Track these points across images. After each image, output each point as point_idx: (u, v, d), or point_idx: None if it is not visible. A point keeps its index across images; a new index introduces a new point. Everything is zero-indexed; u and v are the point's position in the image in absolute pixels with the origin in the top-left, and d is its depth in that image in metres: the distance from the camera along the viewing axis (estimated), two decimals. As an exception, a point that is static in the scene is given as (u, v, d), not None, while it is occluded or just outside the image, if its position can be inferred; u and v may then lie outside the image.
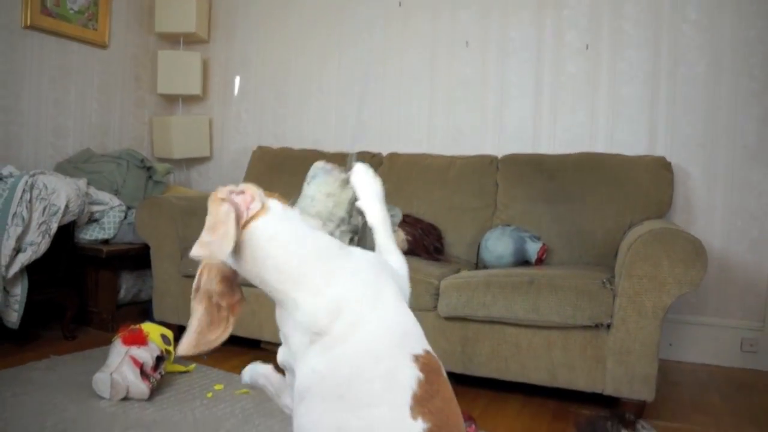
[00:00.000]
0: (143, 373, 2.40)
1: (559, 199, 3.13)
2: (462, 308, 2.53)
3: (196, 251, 1.06)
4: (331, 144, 4.05)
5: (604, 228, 3.01)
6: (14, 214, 2.84)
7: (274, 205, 1.17)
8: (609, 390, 2.37)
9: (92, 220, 3.39)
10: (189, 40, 4.44)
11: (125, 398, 2.39)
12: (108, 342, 2.65)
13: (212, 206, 1.11)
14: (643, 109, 3.35)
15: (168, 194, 3.80)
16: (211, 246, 1.06)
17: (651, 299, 2.27)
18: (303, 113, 4.21)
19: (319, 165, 1.53)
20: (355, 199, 1.42)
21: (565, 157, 3.25)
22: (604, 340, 2.36)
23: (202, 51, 4.45)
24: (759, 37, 3.14)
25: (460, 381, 2.72)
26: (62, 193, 2.99)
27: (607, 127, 3.42)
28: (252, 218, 1.12)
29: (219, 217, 1.08)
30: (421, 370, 1.06)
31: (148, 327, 2.57)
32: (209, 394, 2.50)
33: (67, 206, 3.00)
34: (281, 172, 3.85)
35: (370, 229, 1.40)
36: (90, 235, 3.37)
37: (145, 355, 2.44)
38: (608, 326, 2.35)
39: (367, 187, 1.40)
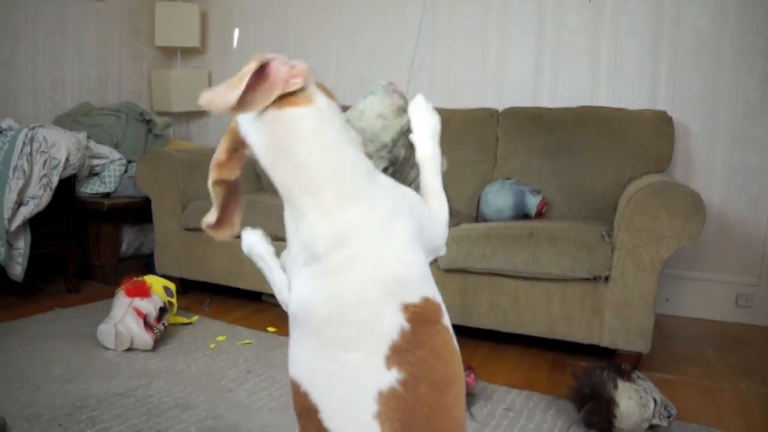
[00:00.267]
0: (147, 324, 2.44)
1: (560, 153, 3.12)
2: (462, 260, 2.55)
3: (200, 98, 0.94)
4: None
5: (604, 182, 3.02)
6: (15, 167, 2.84)
7: (321, 99, 1.03)
8: (606, 342, 2.41)
9: (93, 173, 3.39)
10: (186, -8, 4.37)
11: (129, 349, 2.43)
12: (111, 295, 2.68)
13: (248, 63, 0.96)
14: (645, 63, 3.32)
15: (168, 147, 3.79)
16: (215, 93, 0.94)
17: (649, 252, 2.29)
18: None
19: (382, 82, 1.38)
20: (406, 129, 1.31)
21: (566, 110, 3.23)
22: (602, 293, 2.39)
23: (199, 3, 4.39)
24: (765, -10, 3.09)
25: (459, 332, 2.73)
26: (62, 147, 2.99)
27: (608, 81, 3.39)
28: (291, 101, 0.99)
29: (241, 72, 0.94)
30: (409, 320, 0.99)
31: (151, 279, 2.60)
32: (212, 345, 2.54)
33: (67, 159, 3.00)
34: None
35: (411, 167, 1.31)
36: (91, 188, 3.38)
37: (149, 306, 2.47)
38: (606, 279, 2.37)
39: (425, 121, 1.32)
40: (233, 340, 2.61)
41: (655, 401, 1.87)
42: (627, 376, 1.93)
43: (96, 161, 3.37)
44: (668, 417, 1.87)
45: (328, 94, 1.07)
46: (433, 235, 1.18)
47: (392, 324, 0.98)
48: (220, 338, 2.62)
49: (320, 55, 4.10)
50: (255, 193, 3.47)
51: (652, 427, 1.89)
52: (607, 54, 3.39)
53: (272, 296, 3.15)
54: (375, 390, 0.95)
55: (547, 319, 2.48)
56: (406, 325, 0.99)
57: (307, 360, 1.01)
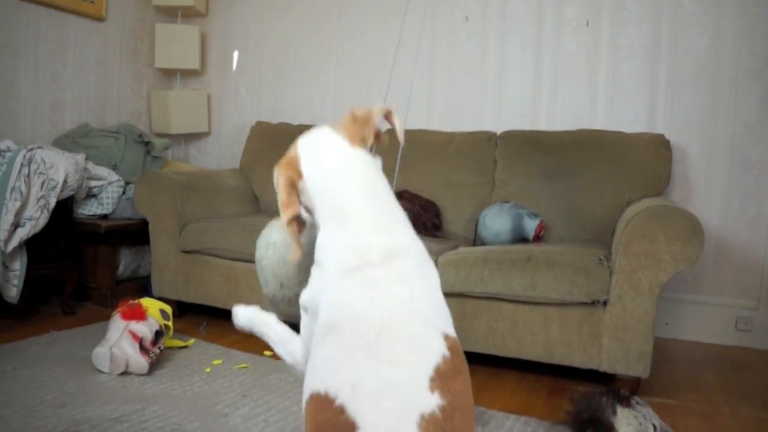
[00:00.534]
0: (142, 348, 2.42)
1: (558, 176, 3.13)
2: (460, 284, 2.54)
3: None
4: (329, 120, 4.02)
5: (602, 205, 3.01)
6: (12, 189, 2.84)
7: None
8: (604, 366, 2.39)
9: (90, 195, 3.39)
10: (187, 14, 4.40)
11: (124, 372, 2.41)
12: (107, 317, 2.66)
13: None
14: (642, 86, 3.34)
15: (166, 169, 3.79)
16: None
17: (647, 276, 2.29)
18: (302, 89, 4.19)
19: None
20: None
21: (564, 133, 3.24)
22: (600, 317, 2.37)
23: (200, 25, 4.42)
24: (760, 15, 3.11)
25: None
26: (60, 168, 2.99)
27: (606, 104, 3.41)
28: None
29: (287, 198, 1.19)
30: (449, 348, 1.02)
31: (147, 302, 2.59)
32: (208, 369, 2.52)
33: (65, 181, 3.00)
34: (280, 148, 3.80)
35: None
36: (88, 210, 3.38)
37: (144, 329, 2.45)
38: (605, 303, 2.36)
39: None
40: (229, 364, 2.59)
41: (655, 427, 1.85)
42: (626, 402, 1.91)
43: (94, 183, 3.37)
44: (668, 444, 1.86)
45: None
46: None
47: (438, 348, 1.01)
48: (216, 362, 2.60)
49: (319, 77, 4.12)
50: (253, 215, 3.47)
51: (651, 454, 1.87)
52: (605, 77, 3.41)
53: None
54: (418, 412, 0.94)
55: (545, 344, 2.46)
56: (447, 353, 1.01)
57: (347, 372, 0.99)
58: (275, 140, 3.89)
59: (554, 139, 3.22)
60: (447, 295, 2.57)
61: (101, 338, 2.51)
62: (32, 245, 2.96)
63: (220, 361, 2.61)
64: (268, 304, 1.47)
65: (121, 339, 2.41)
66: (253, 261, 2.99)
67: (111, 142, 3.61)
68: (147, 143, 3.78)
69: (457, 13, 3.73)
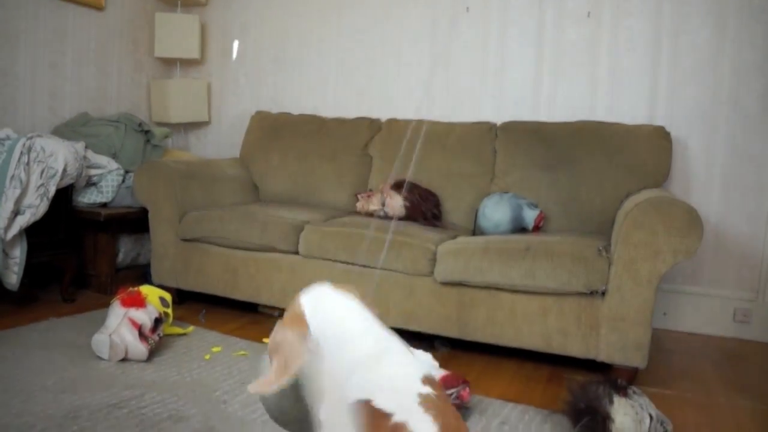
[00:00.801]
0: (142, 335, 2.43)
1: (558, 167, 3.13)
2: (459, 274, 2.55)
3: (250, 388, 1.21)
4: (330, 110, 4.03)
5: (602, 197, 3.02)
6: (12, 177, 2.84)
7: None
8: (602, 356, 2.40)
9: (90, 183, 3.39)
10: (187, 3, 4.39)
11: (124, 359, 2.42)
12: (107, 305, 2.67)
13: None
14: (643, 78, 3.33)
15: (166, 158, 3.79)
16: (263, 384, 1.19)
17: (646, 267, 2.29)
18: (302, 78, 4.18)
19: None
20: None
21: (565, 125, 3.24)
22: (598, 307, 2.38)
23: (200, 14, 4.41)
24: (762, 6, 3.10)
25: (455, 346, 2.76)
26: (60, 156, 2.99)
27: (606, 96, 3.40)
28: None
29: (284, 362, 1.20)
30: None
31: (146, 289, 2.59)
32: (207, 356, 2.53)
33: (65, 169, 3.00)
34: (280, 138, 3.84)
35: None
36: (88, 198, 3.38)
37: (144, 317, 2.46)
38: (603, 293, 2.37)
39: None
40: (228, 351, 2.60)
41: (651, 417, 1.86)
42: (623, 392, 1.92)
43: (93, 171, 3.37)
44: (664, 433, 1.86)
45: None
46: None
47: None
48: (215, 349, 2.61)
49: (319, 67, 4.12)
50: (253, 204, 3.47)
51: (648, 442, 1.88)
52: (606, 68, 3.40)
53: (268, 308, 3.15)
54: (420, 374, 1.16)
55: (543, 334, 2.47)
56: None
57: None
58: (275, 130, 3.89)
59: (554, 130, 3.22)
60: (446, 284, 2.60)
61: (101, 325, 2.52)
62: (32, 233, 2.97)
63: (219, 349, 2.62)
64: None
65: (121, 326, 2.42)
66: (252, 249, 3.01)
67: (111, 130, 3.61)
68: (147, 132, 3.78)
69: (458, 3, 3.72)
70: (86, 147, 3.39)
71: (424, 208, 3.15)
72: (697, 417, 2.21)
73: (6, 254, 2.88)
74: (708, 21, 3.20)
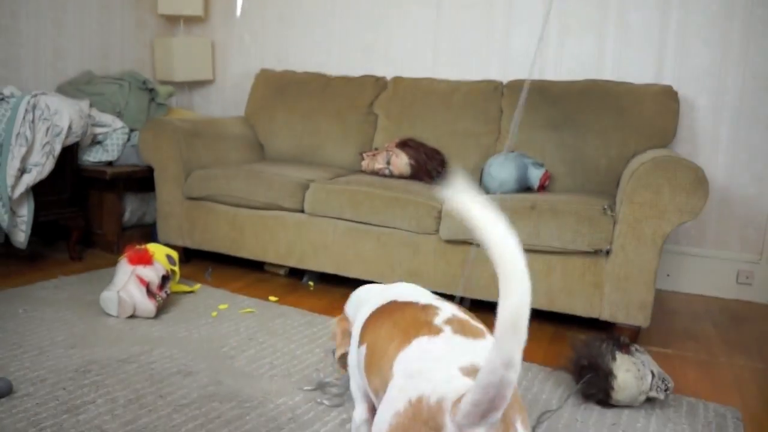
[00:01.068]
0: (149, 292, 2.46)
1: (564, 127, 3.11)
2: (464, 232, 2.55)
3: None
4: (334, 67, 3.99)
5: (608, 156, 3.00)
6: (18, 134, 2.84)
7: None
8: (605, 315, 2.42)
9: (95, 142, 3.38)
10: (190, -41, 4.32)
11: (132, 316, 2.45)
12: (114, 263, 2.69)
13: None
14: (651, 36, 3.28)
15: (170, 116, 3.78)
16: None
17: (651, 226, 2.30)
18: (307, 36, 4.14)
19: None
20: None
21: (571, 84, 3.20)
22: (602, 266, 2.39)
23: (203, -30, 4.34)
24: (776, -37, 3.05)
25: (459, 304, 2.77)
26: (65, 114, 2.98)
27: (614, 55, 3.36)
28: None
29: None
30: None
31: (153, 247, 2.61)
32: (214, 314, 2.56)
33: (70, 127, 2.99)
34: (285, 96, 3.81)
35: None
36: (93, 157, 3.38)
37: (151, 274, 2.48)
38: (607, 252, 2.38)
39: None
40: (235, 309, 2.63)
41: (653, 374, 1.89)
42: (625, 349, 1.94)
43: (99, 129, 3.36)
44: (665, 390, 1.89)
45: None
46: None
47: None
48: (221, 306, 2.64)
49: (325, 23, 4.06)
50: (258, 162, 3.47)
51: (649, 399, 1.91)
52: (614, 27, 3.35)
53: (274, 266, 3.18)
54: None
55: (547, 292, 2.49)
56: None
57: None
58: (280, 88, 3.86)
59: (561, 89, 3.19)
60: (451, 242, 2.60)
61: (108, 283, 2.54)
62: (38, 191, 2.98)
63: (225, 306, 2.65)
64: None
65: (129, 283, 2.44)
66: (257, 207, 3.02)
67: (115, 89, 3.59)
68: (151, 90, 3.76)
69: (465, -41, 3.65)
70: (91, 105, 3.38)
71: (429, 167, 3.15)
72: (698, 375, 2.24)
73: (14, 213, 2.89)
74: (720, -22, 3.14)
